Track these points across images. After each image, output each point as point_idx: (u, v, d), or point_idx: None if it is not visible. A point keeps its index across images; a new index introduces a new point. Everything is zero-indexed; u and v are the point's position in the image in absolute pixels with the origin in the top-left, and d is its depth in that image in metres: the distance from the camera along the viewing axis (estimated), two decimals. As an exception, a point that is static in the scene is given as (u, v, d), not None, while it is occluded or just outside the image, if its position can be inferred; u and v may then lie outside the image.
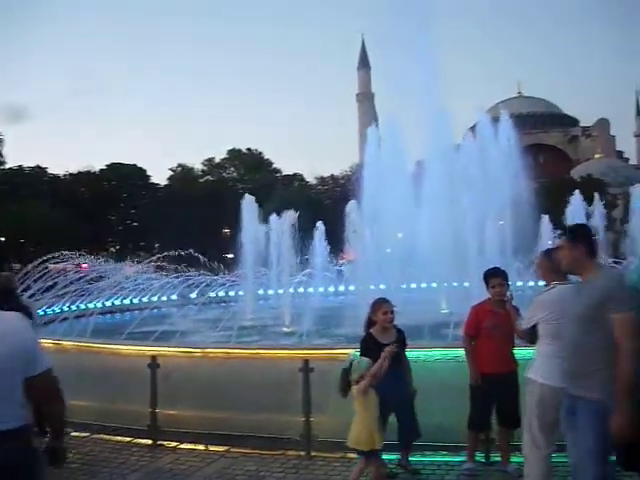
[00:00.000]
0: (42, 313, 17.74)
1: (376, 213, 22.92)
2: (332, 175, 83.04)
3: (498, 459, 6.47)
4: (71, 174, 70.55)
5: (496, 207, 22.98)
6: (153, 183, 74.68)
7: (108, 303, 22.48)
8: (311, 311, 16.60)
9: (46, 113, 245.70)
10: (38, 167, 69.02)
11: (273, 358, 8.57)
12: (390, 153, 24.71)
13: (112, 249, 71.32)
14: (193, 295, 24.66)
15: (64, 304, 20.46)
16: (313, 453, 6.95)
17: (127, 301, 23.79)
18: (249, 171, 79.54)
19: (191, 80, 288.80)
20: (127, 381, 8.40)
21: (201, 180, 79.74)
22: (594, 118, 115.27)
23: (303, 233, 26.64)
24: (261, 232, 27.26)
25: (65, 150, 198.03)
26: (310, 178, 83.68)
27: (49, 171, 69.73)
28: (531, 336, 5.28)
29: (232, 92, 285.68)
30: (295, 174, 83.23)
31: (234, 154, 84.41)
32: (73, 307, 20.37)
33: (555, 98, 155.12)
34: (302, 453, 6.99)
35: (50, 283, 21.05)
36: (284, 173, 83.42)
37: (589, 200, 28.45)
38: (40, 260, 21.95)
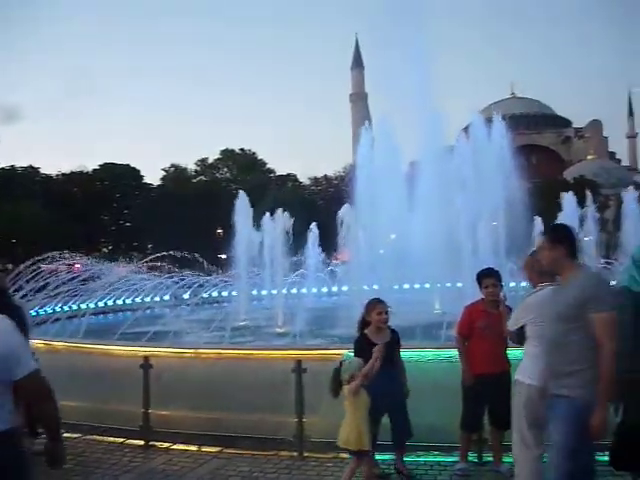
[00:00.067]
0: (34, 314, 17.70)
1: (369, 214, 22.92)
2: (325, 175, 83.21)
3: (491, 459, 6.48)
4: (64, 174, 70.39)
5: (489, 208, 23.02)
6: (146, 183, 74.60)
7: (101, 304, 22.44)
8: (304, 312, 16.61)
9: (39, 113, 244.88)
10: (31, 167, 68.84)
11: (266, 359, 8.57)
12: (383, 154, 24.71)
13: (105, 249, 71.21)
14: (186, 295, 24.63)
15: (56, 304, 20.41)
16: (306, 454, 6.95)
17: (120, 301, 23.75)
18: (242, 171, 79.52)
19: (184, 80, 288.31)
20: (119, 382, 8.37)
21: (194, 180, 79.72)
22: (587, 119, 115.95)
23: (296, 234, 26.64)
24: (254, 232, 27.23)
25: (58, 150, 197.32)
26: (304, 178, 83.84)
27: (42, 171, 69.65)
28: (519, 337, 5.30)
29: (226, 92, 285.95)
30: (289, 174, 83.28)
31: (227, 154, 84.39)
32: (65, 308, 20.32)
33: (548, 99, 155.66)
34: (295, 454, 6.99)
35: (42, 283, 20.98)
36: (277, 173, 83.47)
37: (582, 201, 28.52)
38: (32, 260, 21.87)
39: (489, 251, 20.57)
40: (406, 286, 23.87)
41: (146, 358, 7.81)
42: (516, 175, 25.49)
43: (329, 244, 27.58)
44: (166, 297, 24.16)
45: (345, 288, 24.43)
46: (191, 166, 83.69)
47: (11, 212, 53.11)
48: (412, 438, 6.38)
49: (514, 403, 5.24)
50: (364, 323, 6.38)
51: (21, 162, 69.50)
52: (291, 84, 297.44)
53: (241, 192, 28.49)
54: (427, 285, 21.80)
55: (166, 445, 7.55)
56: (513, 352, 6.20)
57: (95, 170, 71.49)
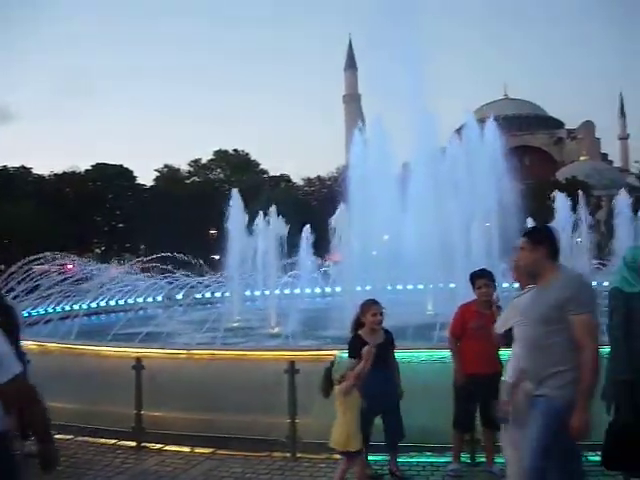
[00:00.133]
0: (26, 314, 17.63)
1: (362, 215, 22.92)
2: (319, 176, 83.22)
3: (483, 460, 6.50)
4: (56, 174, 70.09)
5: (482, 209, 23.06)
6: (139, 184, 74.41)
7: (93, 304, 22.35)
8: (297, 312, 16.59)
9: (31, 113, 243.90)
10: (23, 167, 68.57)
11: (259, 360, 8.57)
12: (376, 155, 24.71)
13: (97, 250, 71.00)
14: (179, 296, 24.58)
15: (49, 305, 20.33)
16: (298, 454, 6.95)
17: (112, 302, 23.67)
18: (236, 172, 79.46)
19: (178, 81, 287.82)
20: (112, 383, 8.35)
21: (187, 181, 79.62)
22: (579, 120, 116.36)
23: (290, 234, 26.62)
24: (247, 232, 27.17)
25: (50, 150, 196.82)
26: (297, 179, 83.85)
27: (34, 171, 69.37)
28: (507, 339, 5.30)
29: (219, 93, 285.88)
30: (282, 175, 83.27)
31: (221, 155, 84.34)
32: (58, 309, 20.24)
33: (541, 100, 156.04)
34: (288, 455, 6.99)
35: (34, 284, 20.89)
36: (271, 174, 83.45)
37: (574, 202, 28.63)
38: (25, 261, 21.78)
39: (482, 252, 20.59)
40: (399, 287, 23.88)
41: (138, 359, 7.79)
42: (509, 176, 25.54)
43: (322, 245, 27.57)
44: (159, 298, 24.10)
45: (338, 289, 24.43)
46: (184, 167, 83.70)
47: (3, 212, 52.87)
48: (405, 439, 6.39)
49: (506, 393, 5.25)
50: (358, 324, 6.39)
51: (13, 162, 69.21)
52: (284, 85, 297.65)
53: (234, 190, 28.38)
54: (420, 286, 21.82)
55: (158, 446, 7.54)
56: (506, 353, 6.22)
57: (87, 170, 71.23)
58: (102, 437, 7.93)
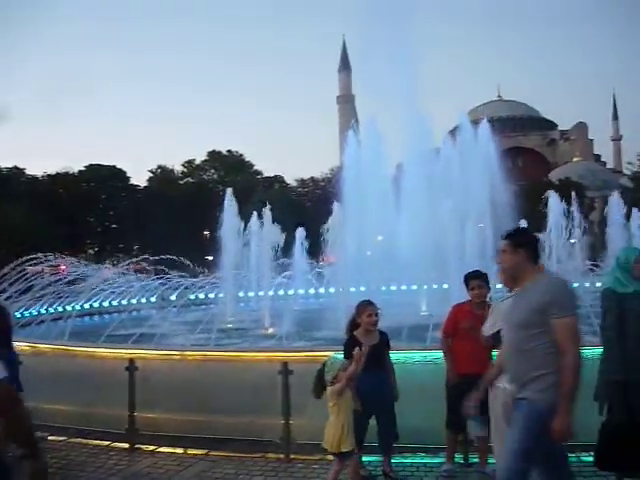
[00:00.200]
0: (19, 315, 17.57)
1: (356, 216, 22.93)
2: (312, 177, 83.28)
3: (477, 460, 6.50)
4: (49, 175, 69.87)
5: (476, 210, 23.09)
6: (132, 184, 74.27)
7: (86, 305, 22.28)
8: (291, 313, 16.57)
9: (24, 114, 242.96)
10: (16, 168, 68.30)
11: (252, 361, 8.56)
12: (370, 156, 24.73)
13: (90, 251, 70.85)
14: (173, 297, 24.50)
15: (41, 306, 20.24)
16: (292, 456, 6.94)
17: (106, 303, 23.60)
18: (229, 173, 79.42)
19: (171, 82, 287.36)
20: (105, 384, 8.33)
21: (181, 182, 79.48)
22: (572, 122, 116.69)
23: (283, 235, 26.60)
24: (241, 233, 27.13)
25: (44, 151, 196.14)
26: (291, 180, 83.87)
27: (27, 172, 69.11)
28: (494, 341, 5.31)
29: (213, 94, 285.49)
30: (276, 176, 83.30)
31: (214, 156, 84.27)
32: (51, 309, 20.16)
33: (534, 102, 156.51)
34: (281, 456, 6.98)
35: (27, 285, 20.80)
36: (265, 175, 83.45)
37: (567, 203, 28.69)
38: (18, 262, 21.69)
39: (476, 253, 20.60)
40: (393, 288, 23.88)
41: (131, 360, 7.77)
42: (502, 177, 25.60)
43: (316, 246, 27.56)
44: (153, 299, 24.03)
45: (332, 290, 24.42)
46: (178, 167, 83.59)
47: (-4, 213, 52.69)
48: (398, 440, 6.39)
49: (491, 405, 5.27)
50: (354, 325, 6.38)
51: (6, 163, 68.92)
52: (278, 86, 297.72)
53: (228, 190, 28.32)
54: (414, 287, 21.82)
55: (152, 448, 7.52)
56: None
57: (81, 171, 71.04)
58: (95, 439, 7.91)
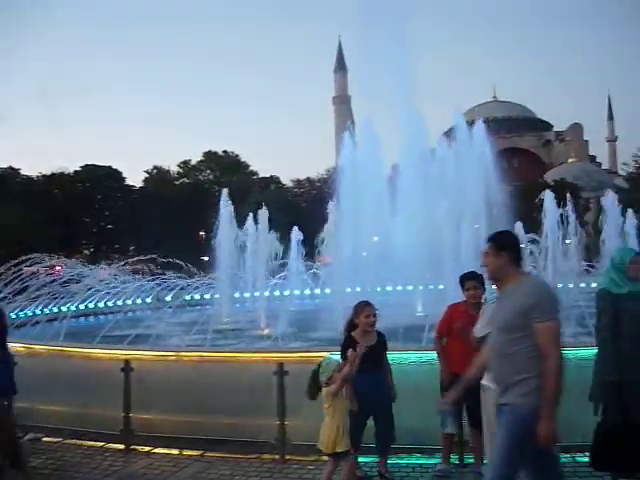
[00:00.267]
0: (14, 316, 17.51)
1: (352, 216, 22.93)
2: (308, 178, 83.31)
3: (472, 461, 6.51)
4: (44, 175, 69.74)
5: (471, 210, 23.11)
6: (128, 185, 74.20)
7: (82, 306, 22.23)
8: (287, 314, 16.56)
9: (20, 114, 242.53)
10: (11, 168, 68.17)
11: (248, 361, 8.55)
12: (366, 156, 24.74)
13: (86, 251, 70.70)
14: (168, 298, 24.46)
15: (37, 307, 20.18)
16: (288, 456, 6.95)
17: (101, 304, 23.55)
18: (225, 173, 79.38)
19: (168, 82, 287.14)
20: (100, 385, 8.32)
21: (177, 182, 79.40)
22: (568, 123, 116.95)
23: (279, 236, 26.60)
24: (237, 233, 27.10)
25: (39, 151, 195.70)
26: (286, 181, 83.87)
27: (22, 172, 68.96)
28: (485, 343, 5.32)
29: (208, 94, 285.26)
30: (271, 177, 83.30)
31: (210, 156, 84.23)
32: (46, 310, 20.10)
33: (529, 103, 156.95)
34: (277, 456, 6.98)
35: (23, 286, 20.75)
36: (260, 176, 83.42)
37: (562, 204, 28.74)
38: (13, 262, 21.63)
39: (471, 254, 20.57)
40: (389, 288, 23.89)
41: (127, 361, 7.77)
42: (498, 178, 25.61)
43: (312, 246, 27.56)
44: (148, 299, 23.99)
45: (328, 290, 24.41)
46: (174, 168, 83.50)
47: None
48: (395, 441, 6.39)
49: (483, 407, 5.27)
50: (352, 325, 6.39)
51: (1, 163, 68.79)
52: (274, 86, 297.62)
53: (224, 191, 28.29)
54: (409, 287, 21.83)
55: (147, 449, 7.51)
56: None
57: (76, 172, 70.91)
58: (90, 440, 7.90)
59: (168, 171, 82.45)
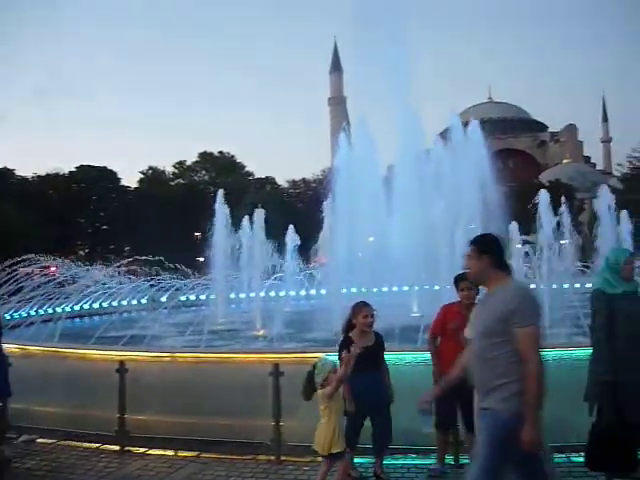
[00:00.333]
0: (8, 317, 17.45)
1: (348, 217, 22.94)
2: (304, 179, 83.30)
3: (467, 461, 6.51)
4: (39, 176, 69.57)
5: (467, 211, 23.15)
6: (123, 186, 74.06)
7: (77, 307, 22.18)
8: (282, 315, 16.55)
9: (14, 114, 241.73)
10: (6, 169, 67.92)
11: (243, 362, 8.55)
12: (362, 157, 24.76)
13: (81, 252, 70.50)
14: (163, 299, 24.44)
15: (31, 308, 20.14)
16: (283, 457, 6.94)
17: (96, 305, 23.51)
18: (221, 174, 79.28)
19: (163, 83, 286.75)
20: (95, 386, 8.31)
21: (172, 183, 79.28)
22: (563, 124, 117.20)
23: (275, 236, 26.56)
24: (232, 234, 27.08)
25: (33, 152, 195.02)
26: (282, 181, 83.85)
27: (17, 173, 68.76)
28: None
29: (204, 95, 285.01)
30: (267, 177, 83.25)
31: (206, 157, 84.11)
32: (41, 311, 20.05)
33: (525, 103, 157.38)
34: (272, 457, 6.97)
35: (17, 286, 20.71)
36: (256, 176, 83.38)
37: (557, 205, 28.80)
38: (7, 263, 21.58)
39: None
40: (384, 289, 23.90)
41: (122, 362, 7.75)
42: (493, 178, 25.67)
43: (308, 247, 27.59)
44: (143, 300, 23.97)
45: (324, 291, 24.41)
46: (169, 168, 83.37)
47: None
48: (391, 443, 6.39)
49: (475, 409, 5.27)
50: (349, 326, 6.39)
51: (-4, 163, 68.47)
52: (270, 87, 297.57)
53: (219, 191, 28.26)
54: (405, 288, 21.84)
55: (142, 450, 7.49)
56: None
57: (71, 172, 70.74)
58: (85, 441, 7.88)
59: (163, 172, 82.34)
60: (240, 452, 7.17)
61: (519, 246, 21.84)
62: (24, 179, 68.56)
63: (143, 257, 28.00)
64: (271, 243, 26.13)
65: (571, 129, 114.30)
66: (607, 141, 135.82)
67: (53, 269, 26.69)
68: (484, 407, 4.09)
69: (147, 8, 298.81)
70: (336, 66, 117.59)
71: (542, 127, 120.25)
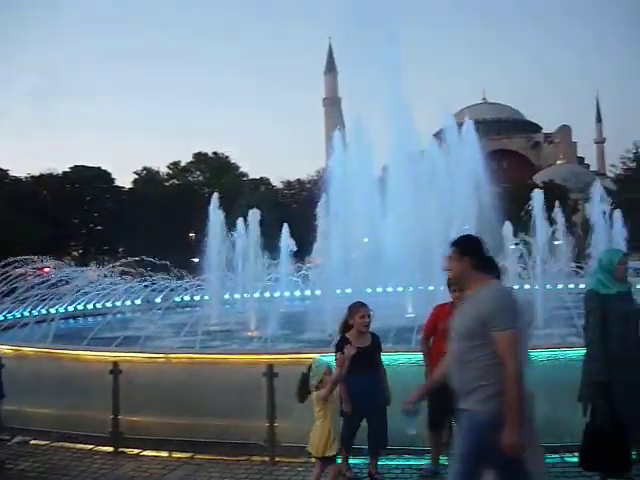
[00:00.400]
0: (2, 318, 17.42)
1: (342, 218, 22.94)
2: (298, 179, 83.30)
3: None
4: (33, 177, 69.35)
5: (461, 211, 23.17)
6: (117, 186, 73.89)
7: (70, 308, 22.11)
8: (276, 316, 16.53)
9: (8, 114, 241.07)
10: (-1, 169, 67.76)
11: (237, 363, 8.54)
12: (356, 158, 24.78)
13: (75, 253, 70.37)
14: (158, 300, 24.38)
15: (25, 309, 20.06)
16: (277, 458, 6.94)
17: (90, 306, 23.44)
18: (215, 175, 79.10)
19: (157, 83, 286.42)
20: (89, 387, 8.29)
21: (166, 184, 79.11)
22: (556, 125, 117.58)
23: (269, 237, 26.54)
24: (227, 235, 27.05)
25: (27, 152, 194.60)
26: (277, 182, 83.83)
27: (10, 173, 68.51)
28: None
29: (198, 95, 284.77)
30: (261, 178, 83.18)
31: (200, 158, 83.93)
32: (34, 312, 19.98)
33: (519, 104, 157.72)
34: (266, 458, 6.97)
35: (11, 287, 20.62)
36: (250, 177, 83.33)
37: (551, 205, 28.90)
38: (1, 264, 21.49)
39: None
40: (379, 290, 23.90)
41: (115, 363, 7.73)
42: (487, 179, 25.70)
43: (302, 248, 27.54)
44: (138, 301, 23.90)
45: (318, 292, 24.40)
46: (163, 169, 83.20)
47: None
48: (388, 444, 6.38)
49: None
50: (346, 326, 6.39)
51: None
52: (264, 88, 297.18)
53: (214, 195, 28.28)
54: (400, 288, 21.85)
55: (136, 451, 7.48)
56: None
57: (65, 173, 70.55)
58: (79, 442, 7.85)
59: (158, 172, 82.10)
60: (234, 453, 7.16)
61: (513, 247, 21.88)
62: (18, 179, 68.31)
63: (135, 258, 27.91)
64: (266, 244, 26.12)
65: (565, 130, 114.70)
66: (601, 142, 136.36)
67: (47, 270, 26.63)
68: (463, 408, 4.06)
69: (142, 8, 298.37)
70: (331, 67, 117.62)
71: (536, 128, 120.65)
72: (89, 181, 68.71)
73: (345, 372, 5.52)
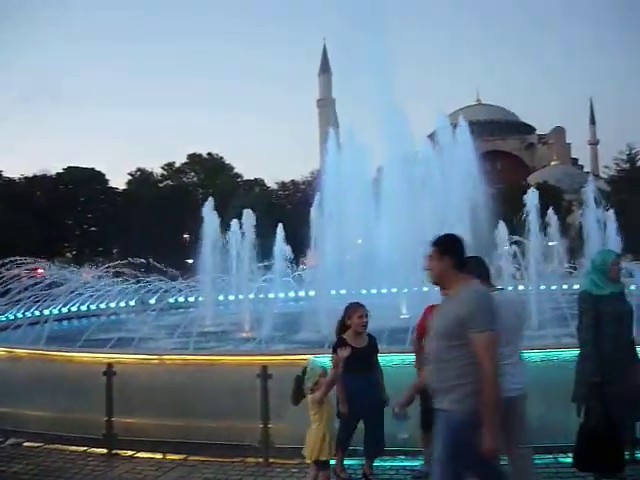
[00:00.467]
0: (-5, 320, 17.36)
1: (336, 219, 22.94)
2: (293, 180, 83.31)
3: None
4: (27, 177, 69.11)
5: (455, 212, 23.20)
6: (111, 187, 73.65)
7: (64, 309, 22.06)
8: (271, 317, 16.52)
9: (2, 117, 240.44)
10: (-8, 170, 67.47)
11: (231, 364, 8.52)
12: (350, 159, 24.78)
13: (69, 254, 70.14)
14: (152, 301, 24.34)
15: (18, 310, 20.01)
16: (271, 460, 6.93)
17: (84, 307, 23.39)
18: (209, 176, 79.02)
19: (151, 84, 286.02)
20: (82, 389, 8.26)
21: (161, 185, 78.98)
22: (550, 126, 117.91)
23: (263, 238, 26.55)
24: (221, 237, 27.04)
25: (21, 153, 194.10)
26: (271, 183, 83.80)
27: (4, 174, 68.27)
28: None
29: (193, 96, 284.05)
30: (256, 179, 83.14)
31: (194, 159, 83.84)
32: (28, 314, 19.92)
33: (513, 106, 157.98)
34: (260, 460, 6.96)
35: (4, 289, 20.56)
36: (245, 178, 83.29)
37: (545, 206, 29.00)
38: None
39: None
40: (373, 291, 23.90)
41: (109, 365, 7.71)
42: (481, 180, 25.73)
43: (297, 249, 27.56)
44: (132, 303, 23.87)
45: (312, 293, 24.39)
46: (157, 170, 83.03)
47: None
48: (384, 446, 6.36)
49: None
50: (343, 327, 6.38)
51: (-17, 165, 68.09)
52: (259, 89, 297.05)
53: (209, 199, 28.32)
54: (394, 290, 21.85)
55: (130, 453, 7.47)
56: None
57: (59, 174, 70.32)
58: (72, 444, 7.82)
59: (152, 173, 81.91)
60: (228, 454, 7.16)
61: (507, 247, 21.94)
62: (11, 180, 68.04)
63: (129, 259, 27.89)
64: (260, 245, 26.12)
65: (559, 131, 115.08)
66: (594, 143, 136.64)
67: (40, 271, 26.55)
68: (440, 408, 4.07)
69: (139, 13, 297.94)
70: (325, 68, 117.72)
71: (530, 129, 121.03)
72: (83, 182, 68.43)
73: (340, 373, 5.52)
